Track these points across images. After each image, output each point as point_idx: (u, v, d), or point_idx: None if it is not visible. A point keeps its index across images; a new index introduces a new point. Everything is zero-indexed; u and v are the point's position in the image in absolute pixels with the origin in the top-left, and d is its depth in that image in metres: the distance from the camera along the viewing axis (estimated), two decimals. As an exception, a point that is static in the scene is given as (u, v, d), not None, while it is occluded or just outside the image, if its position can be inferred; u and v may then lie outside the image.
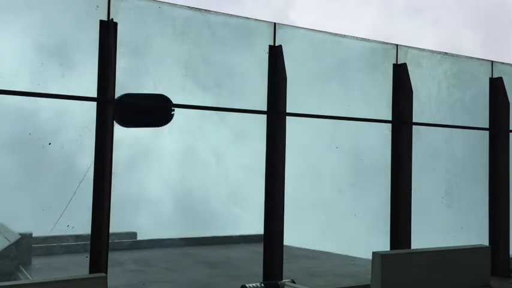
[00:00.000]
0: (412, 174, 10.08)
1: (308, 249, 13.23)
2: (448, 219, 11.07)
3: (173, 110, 8.14)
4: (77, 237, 14.66)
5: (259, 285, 8.23)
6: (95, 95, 7.40)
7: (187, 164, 10.25)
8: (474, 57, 11.45)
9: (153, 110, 8.24)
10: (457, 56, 11.25)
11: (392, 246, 10.03)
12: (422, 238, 9.94)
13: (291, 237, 8.92)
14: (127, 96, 7.78)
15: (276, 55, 8.82)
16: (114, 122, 7.40)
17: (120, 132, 7.49)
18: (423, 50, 10.76)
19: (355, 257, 12.07)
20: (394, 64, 10.30)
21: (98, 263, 7.20)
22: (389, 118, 10.26)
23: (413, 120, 10.27)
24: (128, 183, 9.19)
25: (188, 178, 10.46)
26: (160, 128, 8.44)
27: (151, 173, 10.16)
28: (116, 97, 7.40)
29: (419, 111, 10.49)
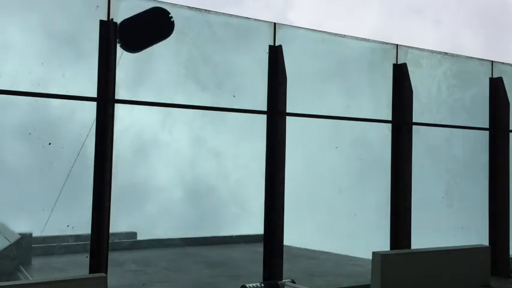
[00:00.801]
0: (412, 174, 10.09)
1: (308, 249, 13.22)
2: (448, 219, 11.07)
3: (171, 17, 8.00)
4: (77, 237, 14.65)
5: (259, 285, 8.23)
6: (95, 95, 7.40)
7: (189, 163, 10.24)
8: (474, 57, 11.45)
9: (154, 25, 8.07)
10: (457, 56, 11.25)
11: (392, 246, 10.03)
12: (422, 238, 9.94)
13: (291, 237, 8.92)
14: (126, 22, 7.64)
15: (276, 55, 8.82)
16: (118, 45, 7.36)
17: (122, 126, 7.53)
18: (423, 50, 10.76)
19: (355, 257, 12.07)
20: (394, 64, 10.30)
21: (98, 263, 7.20)
22: (390, 118, 10.26)
23: (413, 120, 10.27)
24: (136, 171, 9.21)
25: (194, 169, 10.42)
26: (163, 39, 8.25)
27: (160, 161, 10.11)
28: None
29: (419, 111, 10.49)
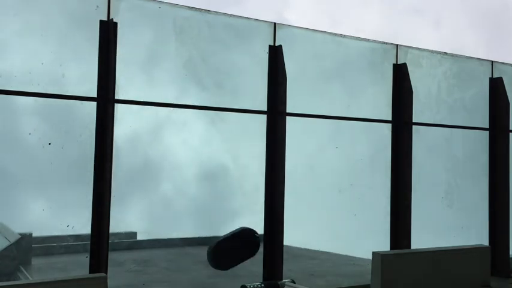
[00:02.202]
0: (412, 174, 10.09)
1: (308, 249, 13.22)
2: (448, 219, 11.07)
3: (257, 238, 8.61)
4: (77, 237, 14.66)
5: (259, 285, 8.23)
6: (95, 95, 7.40)
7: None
8: (474, 57, 11.45)
9: (242, 247, 8.68)
10: (457, 56, 11.26)
11: (392, 246, 10.03)
12: (422, 238, 9.94)
13: (291, 237, 8.92)
14: (219, 244, 8.35)
15: (276, 55, 8.83)
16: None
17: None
18: (423, 50, 10.76)
19: (355, 257, 12.07)
20: (394, 64, 10.30)
21: (98, 263, 7.20)
22: (390, 118, 10.26)
23: (413, 120, 10.27)
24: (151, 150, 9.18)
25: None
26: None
27: (176, 139, 10.02)
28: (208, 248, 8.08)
29: (419, 111, 10.49)
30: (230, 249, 8.47)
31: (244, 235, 8.58)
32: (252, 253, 8.64)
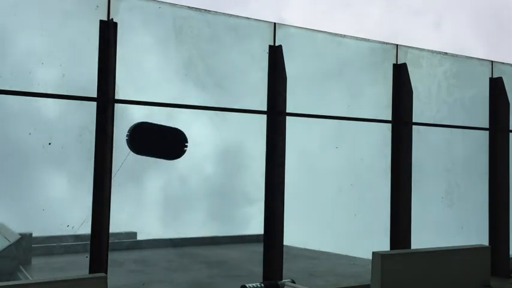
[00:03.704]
0: (412, 174, 10.09)
1: (308, 249, 13.22)
2: (448, 219, 11.07)
3: (186, 146, 8.39)
4: (77, 237, 14.65)
5: (259, 285, 8.23)
6: (95, 95, 7.40)
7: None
8: (474, 57, 11.45)
9: (167, 144, 8.45)
10: (457, 56, 11.26)
11: (392, 246, 10.03)
12: (422, 238, 9.94)
13: (291, 237, 8.92)
14: (143, 125, 8.01)
15: (276, 55, 8.82)
16: (129, 149, 7.63)
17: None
18: (423, 50, 10.76)
19: (355, 257, 12.07)
20: (394, 64, 10.30)
21: (98, 263, 7.20)
22: (390, 118, 10.26)
23: (413, 120, 10.27)
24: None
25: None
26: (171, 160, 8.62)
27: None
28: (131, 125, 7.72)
29: (419, 111, 10.49)
30: (155, 138, 8.25)
31: (176, 135, 8.38)
32: (174, 157, 8.44)
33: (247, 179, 10.10)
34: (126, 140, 7.91)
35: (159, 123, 8.35)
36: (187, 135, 8.64)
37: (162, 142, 8.38)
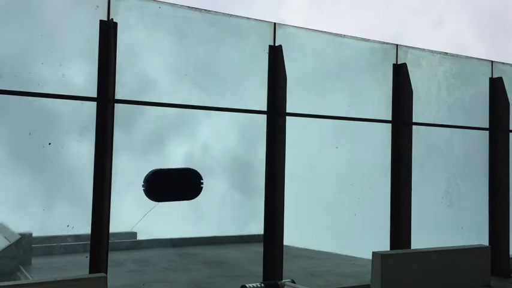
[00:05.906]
0: (412, 174, 10.08)
1: (308, 249, 13.22)
2: (448, 219, 11.07)
3: (202, 184, 8.35)
4: (77, 237, 14.65)
5: (259, 285, 8.23)
6: (95, 95, 7.40)
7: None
8: (474, 57, 11.46)
9: (185, 187, 8.44)
10: (457, 56, 11.26)
11: (392, 246, 10.02)
12: (422, 238, 9.94)
13: (291, 237, 8.92)
14: (157, 173, 7.98)
15: (276, 55, 8.82)
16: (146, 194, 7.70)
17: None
18: (423, 50, 10.76)
19: (355, 257, 12.07)
20: (394, 64, 10.30)
21: (98, 263, 7.20)
22: (390, 118, 10.26)
23: (413, 120, 10.27)
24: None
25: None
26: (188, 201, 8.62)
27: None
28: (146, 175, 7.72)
29: (419, 111, 10.49)
30: (168, 182, 8.18)
31: (191, 176, 8.32)
32: (191, 197, 8.37)
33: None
34: (143, 190, 7.87)
35: (171, 167, 8.33)
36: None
37: (179, 186, 8.35)
